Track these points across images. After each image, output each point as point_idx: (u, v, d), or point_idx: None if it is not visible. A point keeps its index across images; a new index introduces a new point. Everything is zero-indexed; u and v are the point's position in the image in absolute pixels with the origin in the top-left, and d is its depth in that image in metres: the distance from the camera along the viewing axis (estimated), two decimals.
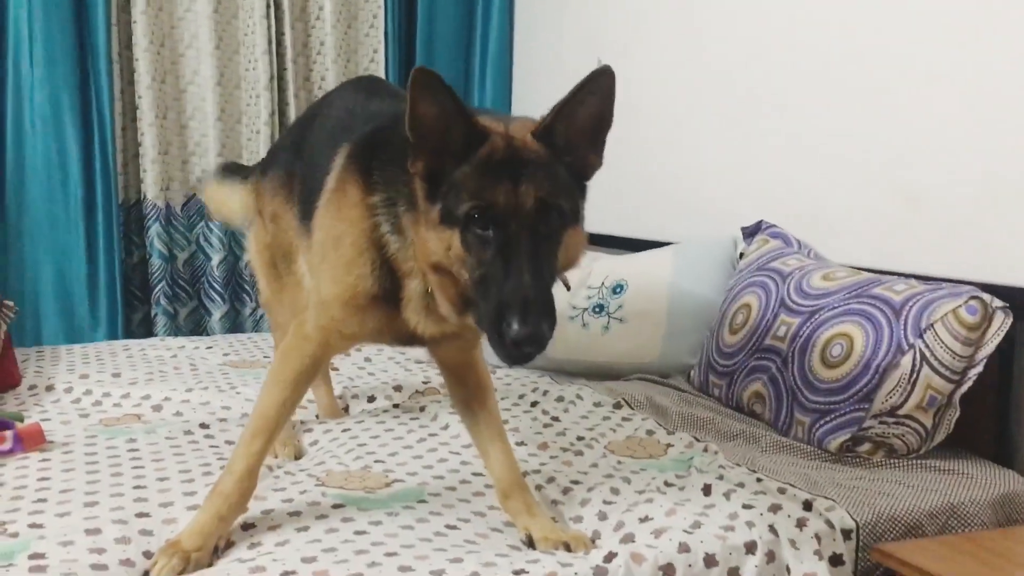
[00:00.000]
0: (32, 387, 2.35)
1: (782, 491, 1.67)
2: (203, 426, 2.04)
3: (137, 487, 1.67)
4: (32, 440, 1.85)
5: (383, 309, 1.48)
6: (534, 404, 2.26)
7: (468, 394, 1.70)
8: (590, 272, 2.69)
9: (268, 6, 3.38)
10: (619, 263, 2.71)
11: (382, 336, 1.58)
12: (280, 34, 3.45)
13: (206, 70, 3.36)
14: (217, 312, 3.45)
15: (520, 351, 1.22)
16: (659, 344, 2.54)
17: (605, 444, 1.98)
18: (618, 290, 2.62)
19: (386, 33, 3.64)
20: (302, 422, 2.13)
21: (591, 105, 1.37)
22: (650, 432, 2.04)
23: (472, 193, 1.27)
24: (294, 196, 1.84)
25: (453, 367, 1.71)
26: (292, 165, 1.89)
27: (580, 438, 2.02)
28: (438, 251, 1.31)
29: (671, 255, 2.65)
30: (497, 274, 1.24)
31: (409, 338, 1.54)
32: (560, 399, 2.27)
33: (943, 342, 1.83)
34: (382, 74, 3.65)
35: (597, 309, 2.61)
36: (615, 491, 1.70)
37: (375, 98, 1.79)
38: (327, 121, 1.82)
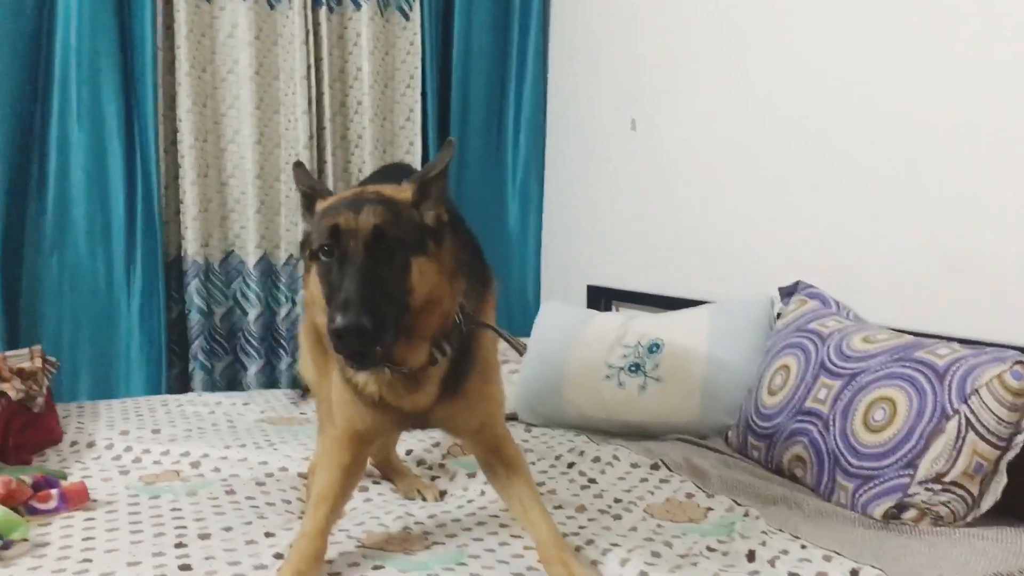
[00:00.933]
0: (74, 443, 2.37)
1: (827, 559, 1.65)
2: (244, 484, 2.05)
3: (179, 545, 1.68)
4: (76, 499, 1.87)
5: (371, 406, 1.61)
6: (571, 465, 2.26)
7: (498, 469, 1.74)
8: (626, 331, 2.69)
9: (308, 67, 3.45)
10: (655, 322, 2.71)
11: (387, 424, 1.69)
12: (319, 94, 3.52)
13: (247, 129, 3.43)
14: (253, 367, 3.48)
15: (343, 343, 1.35)
16: (696, 404, 2.52)
17: (644, 507, 1.96)
18: (654, 349, 2.61)
19: (423, 93, 3.71)
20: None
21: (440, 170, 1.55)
22: (689, 495, 2.03)
23: (321, 228, 1.47)
24: None
25: (478, 445, 1.76)
26: None
27: (618, 500, 2.01)
28: (312, 285, 1.49)
29: (708, 314, 2.65)
30: (335, 285, 1.41)
31: (411, 422, 1.68)
32: (597, 460, 2.26)
33: (988, 408, 1.82)
34: (417, 133, 3.71)
35: (633, 368, 2.60)
36: (656, 555, 1.69)
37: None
38: None
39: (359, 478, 1.77)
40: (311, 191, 1.58)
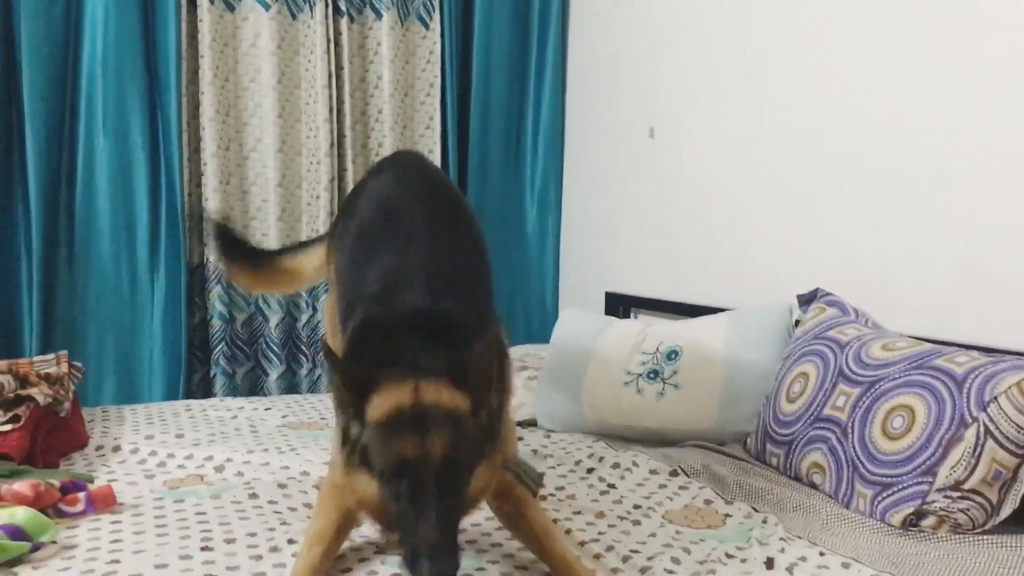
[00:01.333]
0: (99, 447, 2.41)
1: (846, 566, 1.66)
2: (266, 488, 2.08)
3: (204, 548, 1.71)
4: (103, 502, 1.90)
5: None
6: (590, 471, 2.27)
7: (507, 511, 1.73)
8: (644, 337, 2.70)
9: (329, 76, 3.49)
10: (674, 329, 2.73)
11: None
12: (340, 102, 3.56)
13: (268, 138, 3.47)
14: (274, 372, 3.51)
15: None
16: (714, 411, 2.53)
17: (662, 513, 1.98)
18: (673, 356, 2.62)
19: (442, 102, 3.74)
20: None
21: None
22: (708, 501, 2.04)
23: (385, 453, 1.40)
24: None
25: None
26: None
27: (637, 506, 2.02)
28: (364, 494, 1.44)
29: (726, 321, 2.66)
30: (407, 515, 1.37)
31: None
32: (616, 466, 2.28)
33: (1007, 415, 1.82)
34: (437, 141, 3.74)
35: (652, 375, 2.61)
36: (676, 560, 1.70)
37: (405, 203, 1.89)
38: (369, 203, 1.94)
39: (354, 522, 1.69)
40: (362, 380, 1.44)
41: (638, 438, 2.57)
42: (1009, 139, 2.11)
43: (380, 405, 1.41)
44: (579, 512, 1.96)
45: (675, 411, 2.56)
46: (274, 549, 1.73)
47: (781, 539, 1.80)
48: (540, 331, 3.78)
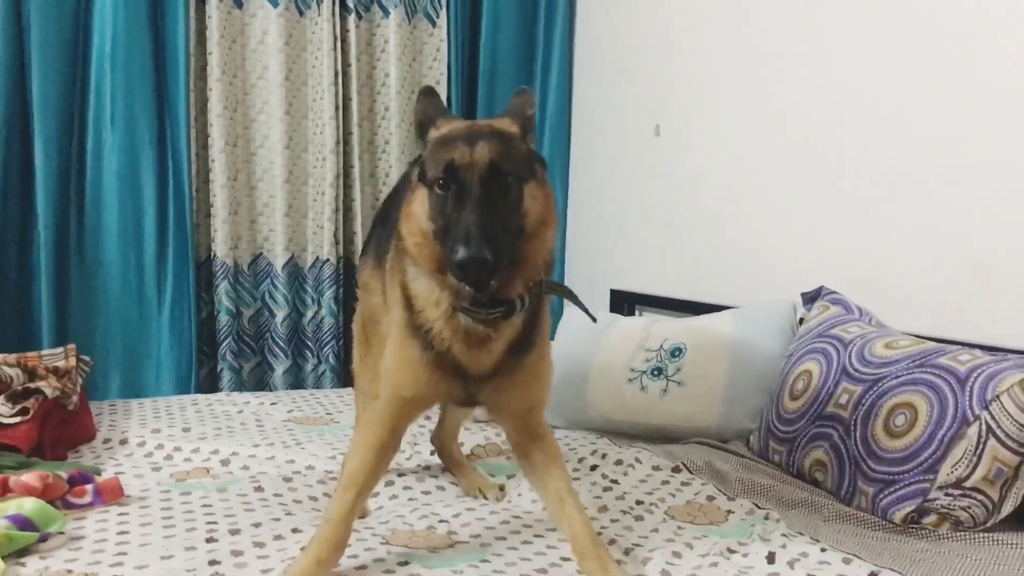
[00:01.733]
0: (107, 440, 2.43)
1: (847, 562, 1.67)
2: (272, 481, 2.10)
3: (209, 540, 1.73)
4: (111, 494, 1.92)
5: (432, 364, 1.62)
6: (594, 467, 2.28)
7: (536, 458, 1.76)
8: (648, 334, 2.71)
9: (336, 73, 3.51)
10: (678, 326, 2.73)
11: (440, 390, 1.67)
12: (347, 99, 3.57)
13: (275, 134, 3.49)
14: (280, 368, 3.53)
15: (465, 273, 1.41)
16: (718, 408, 2.54)
17: (665, 509, 1.99)
18: (677, 353, 2.63)
19: (448, 101, 3.75)
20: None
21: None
22: (710, 498, 2.05)
23: (437, 161, 1.50)
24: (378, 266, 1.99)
25: (519, 431, 1.77)
26: (378, 235, 2.06)
27: (639, 502, 2.03)
28: (419, 212, 1.53)
29: (731, 319, 2.66)
30: (454, 217, 1.45)
31: (464, 391, 1.65)
32: (619, 462, 2.29)
33: (1009, 414, 1.82)
34: None
35: (656, 372, 2.62)
36: (677, 555, 1.71)
37: None
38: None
39: (391, 459, 1.76)
40: (425, 118, 1.61)
41: (641, 435, 2.58)
42: (1016, 138, 2.11)
43: (439, 128, 1.57)
44: (583, 507, 1.97)
45: (679, 408, 2.57)
46: (278, 538, 1.74)
47: (783, 535, 1.81)
48: None
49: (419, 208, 1.53)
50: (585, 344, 2.77)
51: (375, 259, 2.01)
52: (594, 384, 2.69)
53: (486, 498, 2.08)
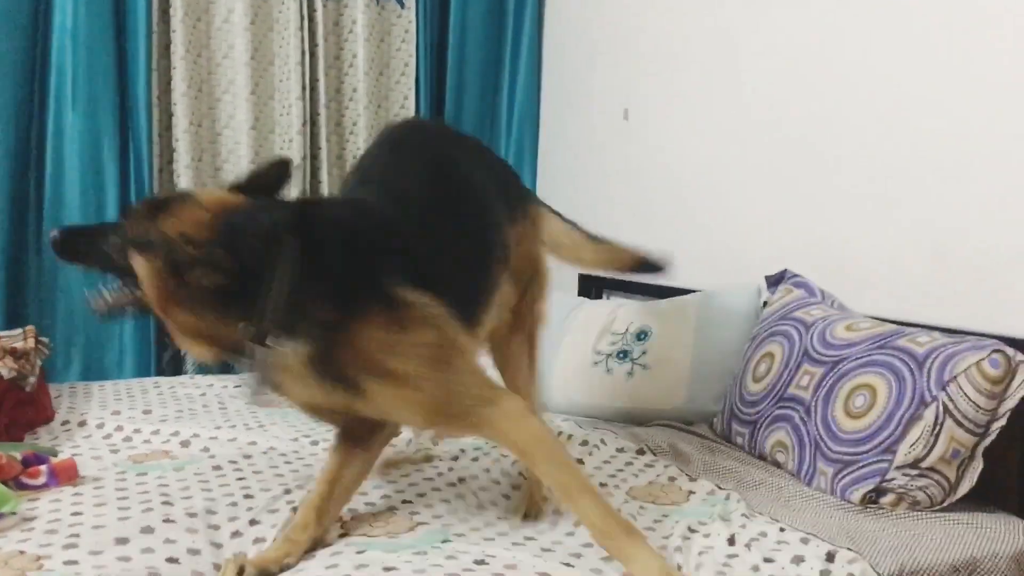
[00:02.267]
0: (65, 422, 2.39)
1: (805, 542, 1.67)
2: (231, 462, 2.08)
3: (166, 521, 1.70)
4: (66, 475, 1.89)
5: None
6: None
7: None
8: (615, 318, 2.71)
9: (303, 53, 3.47)
10: (644, 309, 2.74)
11: None
12: (314, 81, 3.53)
13: (241, 114, 3.44)
14: None
15: None
16: (683, 391, 2.55)
17: (627, 489, 1.99)
18: (642, 336, 2.64)
19: (417, 80, 3.72)
20: None
21: None
22: (672, 479, 2.06)
23: None
24: None
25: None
26: None
27: (603, 484, 2.03)
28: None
29: (696, 302, 2.67)
30: None
31: None
32: (584, 443, 2.29)
33: (966, 395, 1.84)
34: None
35: (621, 355, 2.63)
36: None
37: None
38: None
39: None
40: None
41: (607, 418, 2.59)
42: (977, 125, 2.13)
43: None
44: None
45: (644, 391, 2.57)
46: (233, 519, 1.73)
47: (743, 515, 1.82)
48: None
49: None
50: (553, 328, 2.76)
51: None
52: (561, 367, 2.69)
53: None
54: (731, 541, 1.70)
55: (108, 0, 3.20)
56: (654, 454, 2.22)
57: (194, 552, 1.58)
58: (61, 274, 3.24)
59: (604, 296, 3.38)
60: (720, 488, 1.98)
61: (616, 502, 1.91)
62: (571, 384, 2.66)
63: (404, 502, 1.87)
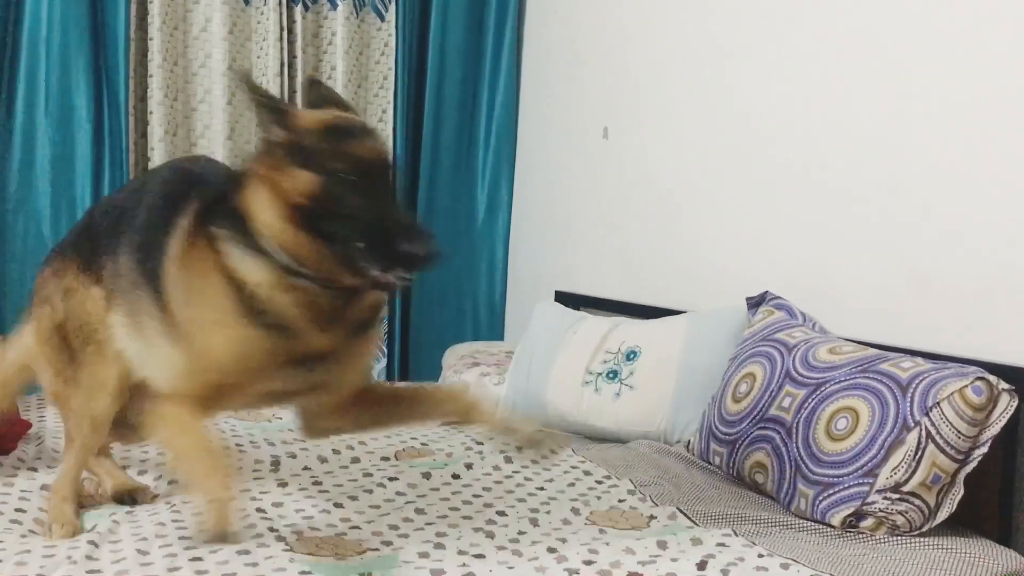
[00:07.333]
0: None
1: (784, 567, 1.65)
2: None
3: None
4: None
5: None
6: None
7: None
8: (609, 337, 2.70)
9: (282, 65, 3.43)
10: (636, 329, 2.72)
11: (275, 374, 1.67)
12: (292, 92, 3.50)
13: (217, 124, 3.40)
14: None
15: (412, 266, 1.51)
16: (666, 412, 2.53)
17: (588, 514, 1.94)
18: (631, 356, 2.62)
19: (395, 94, 3.70)
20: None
21: None
22: (633, 507, 1.99)
23: (339, 154, 1.52)
24: None
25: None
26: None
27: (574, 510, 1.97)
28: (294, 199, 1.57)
29: (685, 323, 2.65)
30: (367, 209, 1.51)
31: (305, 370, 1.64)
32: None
33: (949, 421, 1.84)
34: (389, 134, 3.69)
35: (611, 375, 2.62)
36: (594, 551, 1.68)
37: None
38: None
39: None
40: (273, 103, 1.57)
41: (594, 436, 2.59)
42: (956, 150, 2.14)
43: (303, 117, 1.54)
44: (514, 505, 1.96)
45: (628, 412, 2.56)
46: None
47: (723, 535, 1.78)
48: (488, 328, 3.76)
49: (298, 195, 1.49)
50: (551, 343, 2.78)
51: (83, 263, 1.84)
52: (555, 384, 2.69)
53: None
54: (701, 567, 1.66)
55: (84, 7, 3.15)
56: (619, 478, 2.16)
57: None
58: (28, 284, 3.15)
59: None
60: (682, 513, 1.93)
61: (576, 527, 1.86)
62: (563, 402, 2.66)
63: (353, 528, 1.79)
